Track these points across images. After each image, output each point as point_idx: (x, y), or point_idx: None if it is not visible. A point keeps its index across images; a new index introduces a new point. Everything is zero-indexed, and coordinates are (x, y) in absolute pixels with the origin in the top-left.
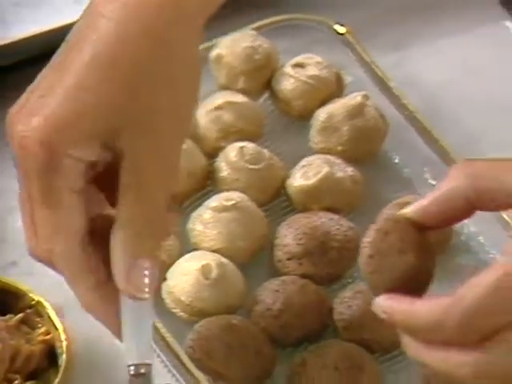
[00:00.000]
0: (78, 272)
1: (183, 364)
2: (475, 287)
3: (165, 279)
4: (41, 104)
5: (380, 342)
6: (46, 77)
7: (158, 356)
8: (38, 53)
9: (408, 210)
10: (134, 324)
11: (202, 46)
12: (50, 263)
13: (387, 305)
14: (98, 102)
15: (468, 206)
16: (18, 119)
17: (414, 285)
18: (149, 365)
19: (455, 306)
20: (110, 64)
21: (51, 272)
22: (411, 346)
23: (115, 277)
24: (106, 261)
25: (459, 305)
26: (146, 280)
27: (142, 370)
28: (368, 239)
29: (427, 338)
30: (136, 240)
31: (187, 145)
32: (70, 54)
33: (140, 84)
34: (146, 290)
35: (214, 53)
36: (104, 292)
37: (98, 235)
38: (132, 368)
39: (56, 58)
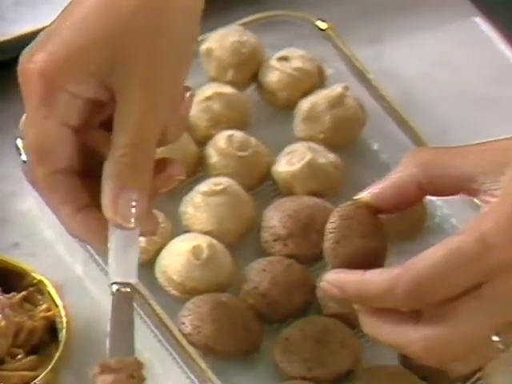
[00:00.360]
0: (57, 197)
1: (176, 339)
2: (426, 258)
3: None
4: (46, 42)
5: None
6: (53, 22)
7: (152, 331)
8: None
9: (365, 195)
10: (119, 247)
11: None
12: (36, 188)
13: (339, 277)
14: (96, 40)
15: (420, 192)
16: (25, 56)
17: (372, 267)
18: (131, 284)
19: (405, 274)
20: (111, 7)
21: (52, 253)
22: (366, 323)
23: (103, 207)
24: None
25: (409, 272)
26: (133, 210)
27: (125, 289)
28: (332, 225)
29: (379, 307)
30: (125, 171)
31: None
32: (77, 2)
33: (138, 26)
34: (132, 220)
35: (203, 47)
36: (86, 216)
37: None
38: (115, 286)
39: (65, 7)
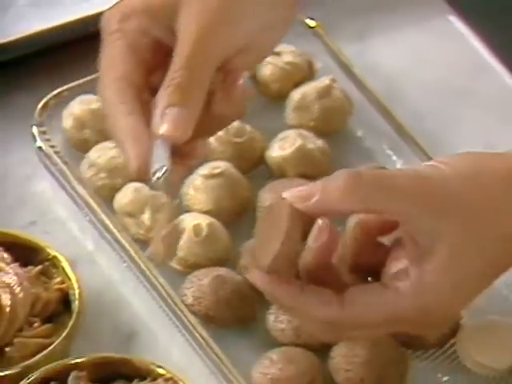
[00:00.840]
0: (116, 96)
1: (179, 309)
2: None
3: None
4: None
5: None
6: None
7: (158, 302)
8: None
9: (289, 196)
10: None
11: None
12: (102, 94)
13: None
14: None
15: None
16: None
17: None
18: (166, 166)
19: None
20: None
21: (65, 231)
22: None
23: (153, 119)
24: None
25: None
26: (178, 126)
27: (160, 173)
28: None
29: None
30: (176, 91)
31: None
32: None
33: None
34: (176, 134)
35: None
36: (136, 120)
37: None
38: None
39: None
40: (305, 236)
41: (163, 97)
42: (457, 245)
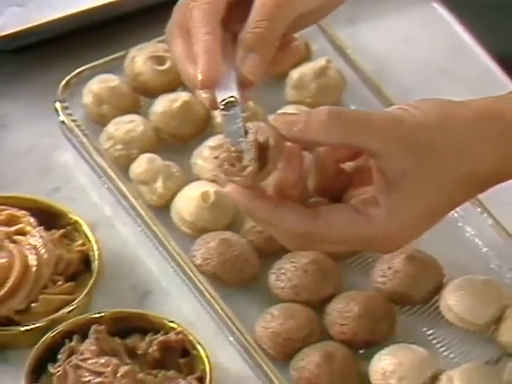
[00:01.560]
0: (200, 19)
1: (189, 269)
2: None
3: None
4: None
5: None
6: None
7: (169, 263)
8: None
9: (275, 120)
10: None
11: None
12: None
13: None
14: None
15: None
16: None
17: None
18: (234, 97)
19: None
20: None
21: (86, 197)
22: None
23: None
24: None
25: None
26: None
27: (232, 100)
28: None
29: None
30: (254, 39)
31: (190, 98)
32: None
33: None
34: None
35: None
36: (215, 41)
37: None
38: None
39: None
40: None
41: (244, 40)
42: (421, 183)
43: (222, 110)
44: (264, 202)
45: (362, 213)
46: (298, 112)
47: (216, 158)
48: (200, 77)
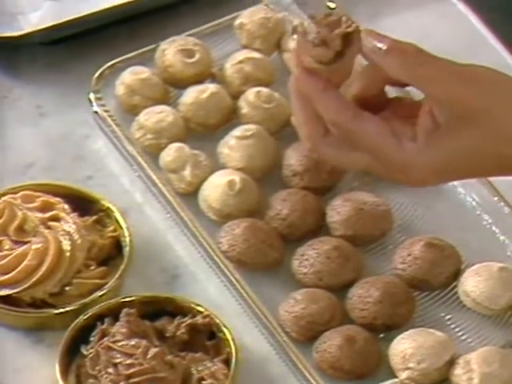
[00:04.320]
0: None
1: (215, 254)
2: None
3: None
4: None
5: (361, 238)
6: None
7: (197, 249)
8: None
9: (368, 31)
10: None
11: (228, 17)
12: None
13: None
14: None
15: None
16: None
17: None
18: None
19: None
20: None
21: (118, 184)
22: (311, 139)
23: None
24: None
25: None
26: None
27: None
28: None
29: None
30: None
31: (218, 90)
32: None
33: None
34: None
35: (237, 22)
36: None
37: None
38: None
39: None
40: None
41: None
42: (465, 146)
43: None
44: (317, 79)
45: (397, 137)
46: (387, 36)
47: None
48: None
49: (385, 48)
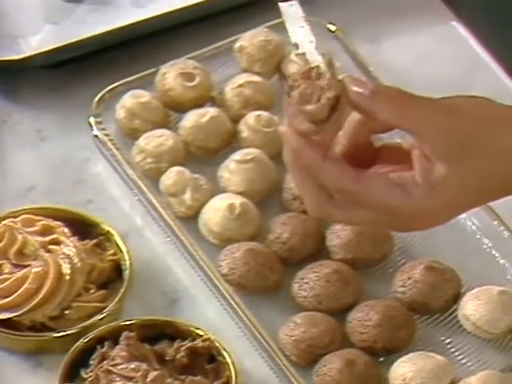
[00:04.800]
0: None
1: (215, 277)
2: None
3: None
4: None
5: (361, 261)
6: None
7: (196, 272)
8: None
9: (350, 79)
10: None
11: (228, 40)
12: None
13: None
14: None
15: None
16: None
17: None
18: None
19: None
20: None
21: (118, 208)
22: (317, 210)
23: None
24: None
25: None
26: None
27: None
28: None
29: None
30: None
31: (218, 113)
32: None
33: None
34: None
35: (237, 45)
36: None
37: None
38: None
39: None
40: None
41: None
42: (467, 175)
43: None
44: (314, 149)
45: (401, 187)
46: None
47: (294, 80)
48: None
49: (370, 92)
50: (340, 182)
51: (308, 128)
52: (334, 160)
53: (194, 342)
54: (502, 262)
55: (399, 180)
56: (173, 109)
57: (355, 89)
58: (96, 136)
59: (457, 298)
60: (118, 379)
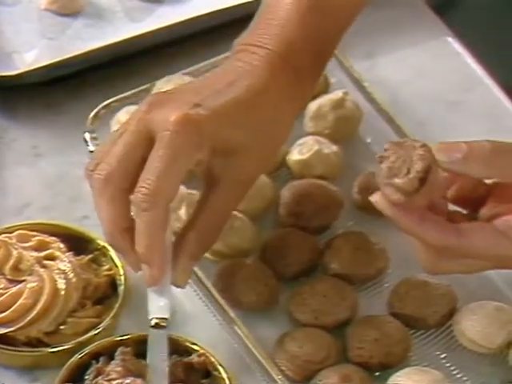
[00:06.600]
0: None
1: (210, 293)
2: None
3: None
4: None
5: (357, 276)
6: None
7: (192, 287)
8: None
9: (439, 148)
10: (157, 289)
11: (223, 55)
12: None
13: None
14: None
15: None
16: None
17: None
18: (166, 319)
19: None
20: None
21: None
22: (429, 267)
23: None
24: None
25: None
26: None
27: (162, 324)
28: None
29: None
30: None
31: None
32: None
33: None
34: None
35: None
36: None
37: None
38: (153, 321)
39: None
40: None
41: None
42: None
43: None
44: (410, 213)
45: (506, 236)
46: (458, 143)
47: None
48: (149, 278)
49: (463, 157)
50: (442, 241)
51: (398, 199)
52: (431, 220)
53: (190, 358)
54: (496, 277)
55: (504, 228)
56: None
57: (445, 158)
58: (92, 152)
59: (452, 313)
60: None
